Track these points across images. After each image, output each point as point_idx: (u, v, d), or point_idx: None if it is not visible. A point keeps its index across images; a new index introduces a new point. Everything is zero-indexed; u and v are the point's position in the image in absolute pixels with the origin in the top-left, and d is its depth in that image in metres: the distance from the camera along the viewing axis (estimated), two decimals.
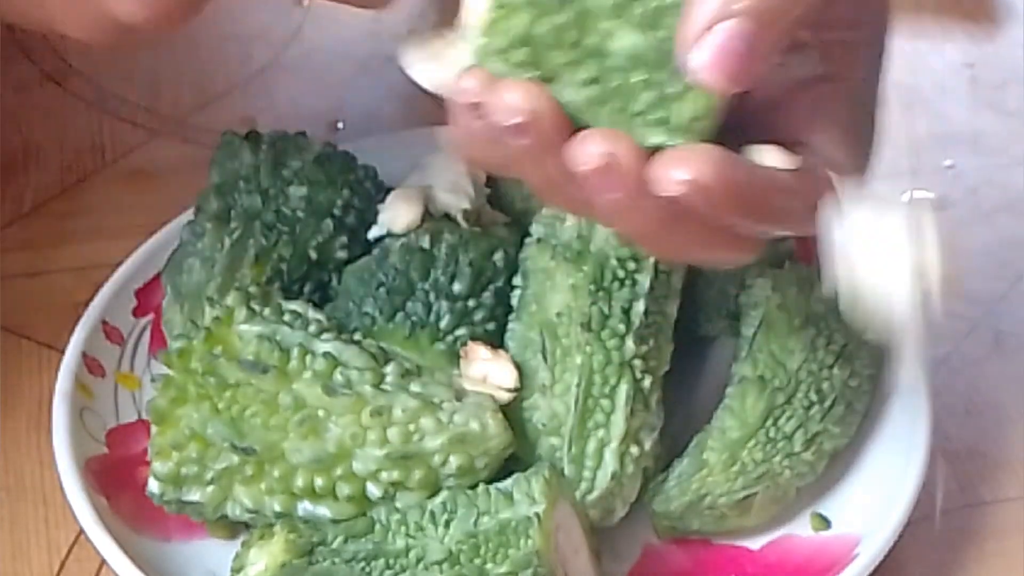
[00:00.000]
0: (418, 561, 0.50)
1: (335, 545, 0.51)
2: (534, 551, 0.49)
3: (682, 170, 0.40)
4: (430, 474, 0.51)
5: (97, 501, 0.55)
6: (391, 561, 0.50)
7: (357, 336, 0.55)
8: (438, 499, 0.51)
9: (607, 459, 0.53)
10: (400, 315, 0.56)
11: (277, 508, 0.52)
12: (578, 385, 0.54)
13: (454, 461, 0.51)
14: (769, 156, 0.42)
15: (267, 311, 0.54)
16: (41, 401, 0.61)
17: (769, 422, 0.55)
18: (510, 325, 0.57)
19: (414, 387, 0.52)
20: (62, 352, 0.60)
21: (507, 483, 0.51)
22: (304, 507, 0.52)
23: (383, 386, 0.52)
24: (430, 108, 0.47)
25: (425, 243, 0.58)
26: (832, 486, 0.57)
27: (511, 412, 0.53)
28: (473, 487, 0.51)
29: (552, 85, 0.42)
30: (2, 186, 0.73)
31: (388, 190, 0.63)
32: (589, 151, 0.41)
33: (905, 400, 0.58)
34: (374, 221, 0.61)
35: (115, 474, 0.57)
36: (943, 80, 0.83)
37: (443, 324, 0.56)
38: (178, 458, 0.52)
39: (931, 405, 0.57)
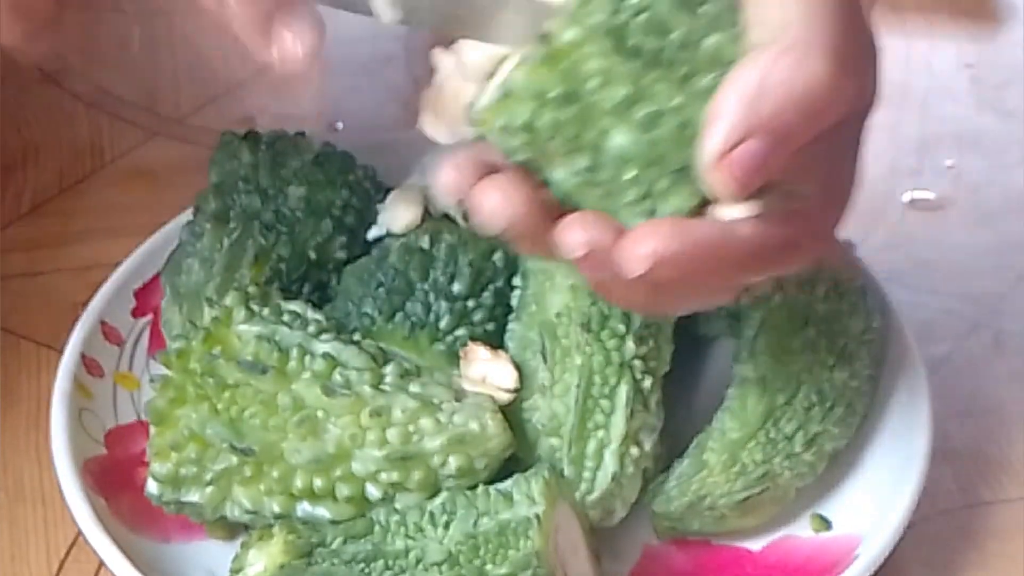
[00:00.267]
0: (417, 562, 0.49)
1: (334, 546, 0.51)
2: (534, 552, 0.49)
3: (645, 245, 0.42)
4: (429, 475, 0.51)
5: (96, 502, 0.55)
6: (390, 562, 0.50)
7: (356, 336, 0.55)
8: (437, 500, 0.51)
9: (607, 460, 0.53)
10: (399, 315, 0.56)
11: (276, 509, 0.52)
12: (578, 386, 0.53)
13: (453, 462, 0.51)
14: (729, 211, 0.43)
15: (266, 311, 0.54)
16: (40, 401, 0.61)
17: (770, 423, 0.55)
18: (510, 325, 0.56)
19: (413, 387, 0.52)
20: (61, 352, 0.60)
21: (507, 484, 0.51)
22: (303, 508, 0.52)
23: (382, 387, 0.52)
24: None
25: (424, 243, 0.58)
26: (832, 487, 0.57)
27: (511, 413, 0.53)
28: (473, 488, 0.51)
29: (545, 166, 0.43)
30: (2, 186, 0.73)
31: (388, 190, 0.63)
32: (572, 239, 0.43)
33: (905, 400, 0.58)
34: (373, 221, 0.61)
35: (114, 475, 0.57)
36: (943, 80, 0.83)
37: (442, 324, 0.56)
38: (177, 459, 0.52)
39: (931, 405, 0.57)
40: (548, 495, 0.50)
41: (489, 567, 0.49)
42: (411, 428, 0.51)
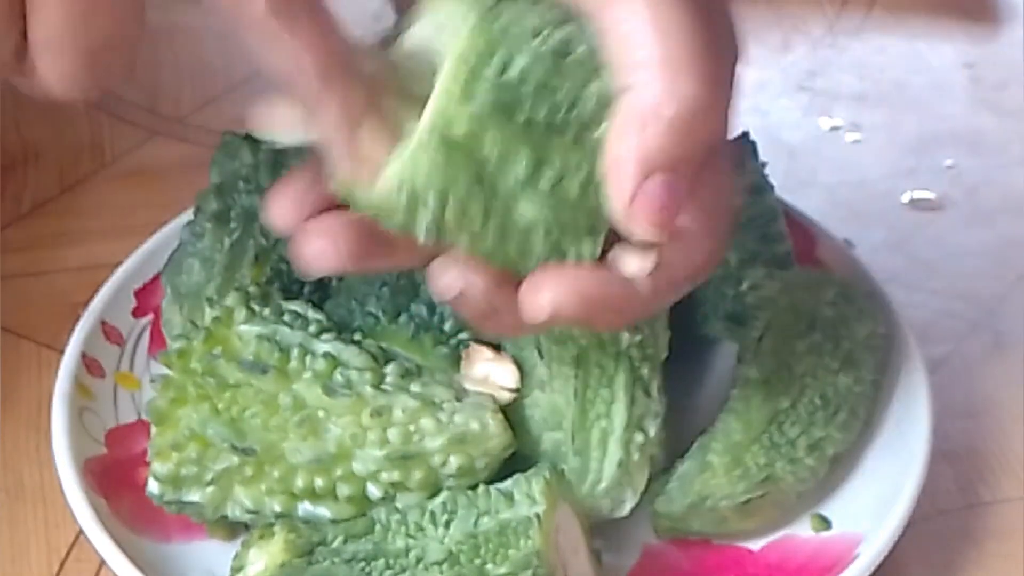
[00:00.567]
0: (418, 561, 0.49)
1: (335, 545, 0.51)
2: (534, 551, 0.49)
3: (544, 295, 0.44)
4: (430, 474, 0.51)
5: (96, 502, 0.55)
6: (391, 561, 0.50)
7: (357, 336, 0.55)
8: (438, 499, 0.51)
9: (612, 448, 0.53)
10: (404, 316, 0.56)
11: (277, 509, 0.52)
12: (576, 376, 0.53)
13: (454, 461, 0.51)
14: (627, 263, 0.44)
15: (267, 311, 0.54)
16: (40, 401, 0.61)
17: (773, 426, 0.55)
18: None
19: (414, 387, 0.52)
20: (61, 352, 0.60)
21: (507, 483, 0.51)
22: (304, 507, 0.52)
23: (383, 386, 0.52)
24: None
25: None
26: (833, 487, 0.57)
27: (512, 411, 0.53)
28: (473, 487, 0.51)
29: (448, 240, 0.44)
30: (2, 186, 0.73)
31: None
32: (443, 283, 0.45)
33: (905, 401, 0.58)
34: None
35: (114, 475, 0.57)
36: (943, 80, 0.83)
37: (447, 327, 0.56)
38: (178, 459, 0.52)
39: (931, 406, 0.57)
40: (549, 495, 0.50)
41: (489, 566, 0.49)
42: (412, 428, 0.51)
